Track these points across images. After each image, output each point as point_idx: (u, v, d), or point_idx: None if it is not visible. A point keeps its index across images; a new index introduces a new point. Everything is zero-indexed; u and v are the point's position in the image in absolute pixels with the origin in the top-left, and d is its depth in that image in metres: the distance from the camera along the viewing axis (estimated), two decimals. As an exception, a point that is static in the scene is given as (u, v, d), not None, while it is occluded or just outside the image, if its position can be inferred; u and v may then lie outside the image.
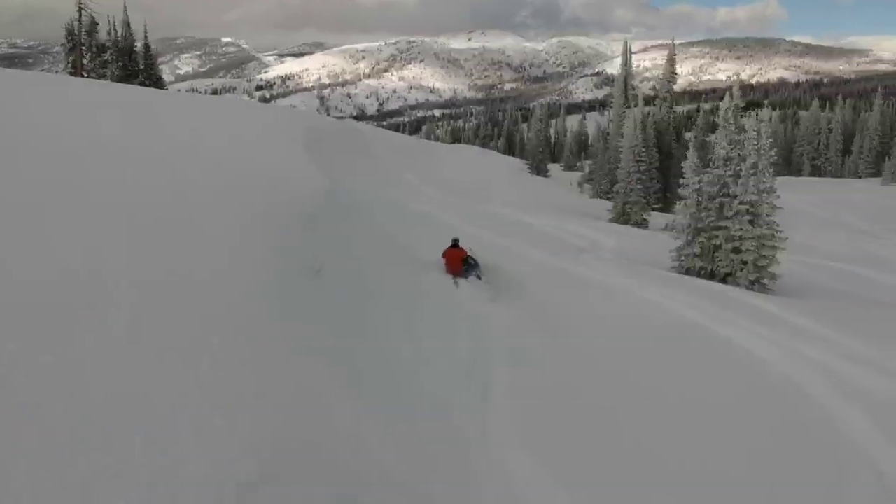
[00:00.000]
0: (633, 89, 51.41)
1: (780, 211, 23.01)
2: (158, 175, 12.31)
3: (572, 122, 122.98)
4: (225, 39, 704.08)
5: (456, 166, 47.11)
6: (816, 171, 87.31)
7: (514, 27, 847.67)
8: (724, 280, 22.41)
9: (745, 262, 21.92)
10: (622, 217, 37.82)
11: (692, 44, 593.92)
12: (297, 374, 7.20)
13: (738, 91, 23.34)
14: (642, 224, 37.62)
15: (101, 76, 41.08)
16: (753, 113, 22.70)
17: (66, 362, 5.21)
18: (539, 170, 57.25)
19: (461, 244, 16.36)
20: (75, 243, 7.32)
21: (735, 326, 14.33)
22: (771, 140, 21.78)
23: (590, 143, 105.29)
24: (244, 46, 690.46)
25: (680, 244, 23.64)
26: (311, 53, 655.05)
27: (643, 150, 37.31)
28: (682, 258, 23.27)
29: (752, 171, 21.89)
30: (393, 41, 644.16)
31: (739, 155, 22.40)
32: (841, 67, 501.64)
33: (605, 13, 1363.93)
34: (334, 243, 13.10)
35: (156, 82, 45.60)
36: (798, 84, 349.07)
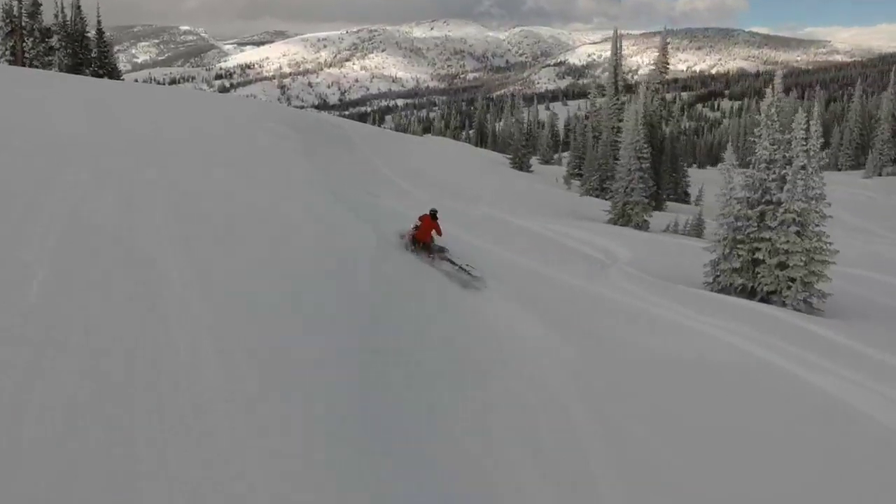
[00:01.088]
0: (625, 80, 48.78)
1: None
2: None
3: (542, 113, 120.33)
4: (183, 28, 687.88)
5: (438, 163, 43.99)
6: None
7: (477, 17, 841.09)
8: (766, 298, 19.80)
9: (792, 280, 19.27)
10: (622, 218, 35.15)
11: (653, 34, 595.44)
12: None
13: (781, 82, 20.58)
14: (643, 226, 35.01)
15: (47, 64, 36.68)
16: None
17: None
18: (521, 165, 54.32)
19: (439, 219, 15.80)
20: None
21: (821, 370, 11.82)
22: (822, 140, 19.15)
23: (565, 134, 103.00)
24: (203, 35, 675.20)
25: (715, 257, 20.96)
26: (271, 42, 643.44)
27: (645, 145, 34.65)
28: (719, 273, 20.59)
29: (799, 176, 19.26)
30: (355, 30, 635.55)
31: (784, 156, 19.76)
32: (799, 58, 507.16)
33: (567, 3, 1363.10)
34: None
35: (110, 71, 41.40)
36: (758, 74, 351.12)
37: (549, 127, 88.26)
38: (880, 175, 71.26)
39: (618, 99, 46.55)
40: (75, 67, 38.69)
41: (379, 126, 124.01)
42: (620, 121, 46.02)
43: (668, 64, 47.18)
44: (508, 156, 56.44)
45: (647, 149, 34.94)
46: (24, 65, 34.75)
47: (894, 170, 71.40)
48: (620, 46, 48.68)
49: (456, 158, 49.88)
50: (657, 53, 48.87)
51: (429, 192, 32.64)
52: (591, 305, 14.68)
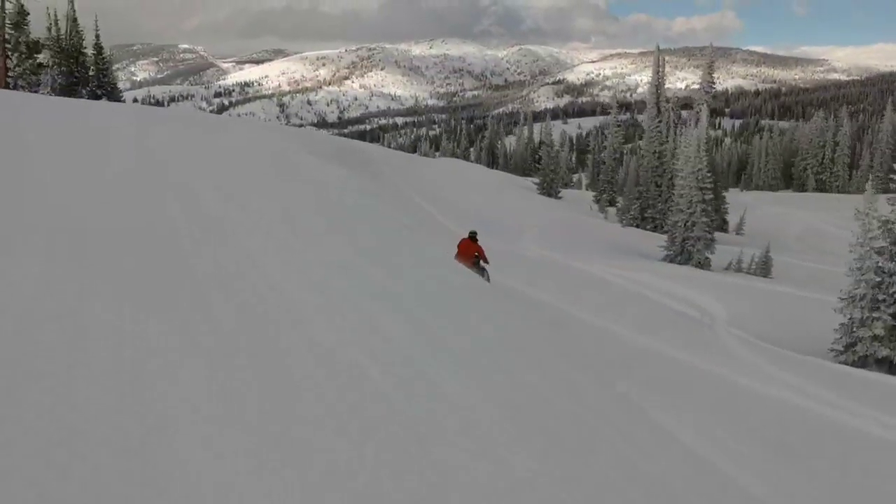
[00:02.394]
0: (667, 101, 45.17)
1: (800, 231, 17.01)
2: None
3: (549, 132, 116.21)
4: (182, 46, 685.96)
5: (466, 191, 40.44)
6: (821, 187, 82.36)
7: (477, 36, 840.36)
8: (916, 373, 16.08)
9: (954, 352, 15.56)
10: (681, 255, 31.46)
11: (651, 53, 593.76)
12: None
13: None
14: (705, 264, 31.33)
15: (34, 84, 32.04)
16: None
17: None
18: (550, 190, 50.60)
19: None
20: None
21: None
22: None
23: (578, 154, 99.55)
24: (202, 53, 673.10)
25: (846, 320, 17.25)
26: (270, 60, 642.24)
27: (708, 174, 31.00)
28: (855, 341, 16.84)
29: (962, 222, 15.60)
30: (353, 48, 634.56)
31: (942, 198, 16.12)
32: (797, 76, 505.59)
33: (565, 22, 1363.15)
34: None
35: (110, 91, 37.37)
36: (758, 93, 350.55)
37: (567, 148, 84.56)
38: (917, 199, 67.75)
39: (660, 121, 42.98)
40: (70, 88, 34.68)
41: (385, 146, 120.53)
42: (662, 144, 42.60)
43: (713, 84, 43.65)
44: (535, 180, 52.78)
45: (710, 178, 31.32)
46: (6, 85, 30.35)
47: (934, 194, 67.90)
48: (663, 66, 45.11)
49: (481, 184, 46.28)
50: (703, 70, 45.36)
51: (470, 228, 29.02)
52: (755, 408, 10.93)
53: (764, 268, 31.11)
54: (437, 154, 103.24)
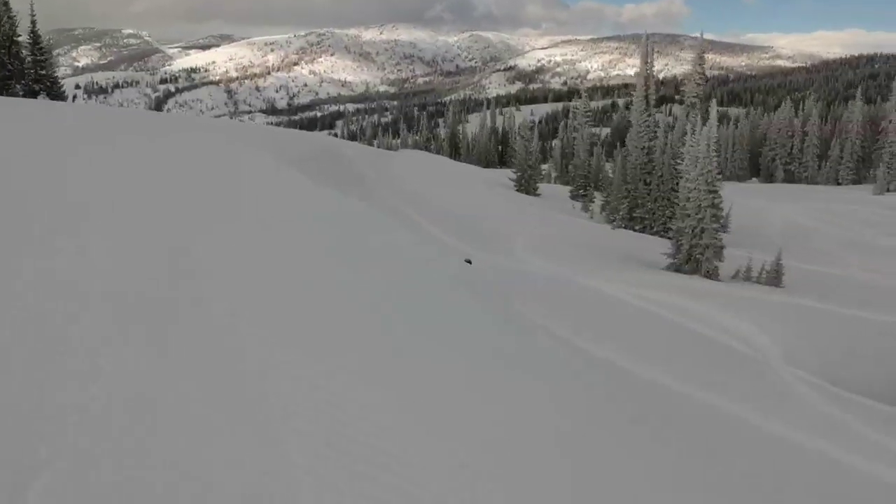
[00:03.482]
0: (656, 93, 42.69)
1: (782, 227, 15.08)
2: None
3: (497, 118, 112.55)
4: (127, 31, 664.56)
5: (445, 191, 37.62)
6: (789, 178, 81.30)
7: (428, 22, 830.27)
8: None
9: None
10: (688, 263, 29.05)
11: (601, 39, 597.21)
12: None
13: None
14: (713, 273, 28.98)
15: None
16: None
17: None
18: (528, 187, 47.87)
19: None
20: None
21: None
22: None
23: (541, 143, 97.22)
24: (147, 38, 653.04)
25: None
26: (217, 46, 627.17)
27: (717, 175, 28.65)
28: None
29: None
30: (303, 33, 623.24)
31: None
32: (743, 63, 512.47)
33: (516, 8, 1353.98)
34: None
35: (49, 87, 32.80)
36: (707, 79, 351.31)
37: (536, 138, 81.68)
38: (889, 191, 66.69)
39: (649, 115, 40.52)
40: (2, 82, 30.32)
41: (341, 137, 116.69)
42: (651, 140, 40.24)
43: (704, 75, 41.43)
44: (511, 176, 49.92)
45: (719, 179, 28.97)
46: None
47: (908, 185, 66.91)
48: (652, 57, 42.53)
49: (457, 181, 43.57)
50: (693, 63, 43.06)
51: (458, 237, 26.26)
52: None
53: (776, 277, 28.85)
54: (398, 143, 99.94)
